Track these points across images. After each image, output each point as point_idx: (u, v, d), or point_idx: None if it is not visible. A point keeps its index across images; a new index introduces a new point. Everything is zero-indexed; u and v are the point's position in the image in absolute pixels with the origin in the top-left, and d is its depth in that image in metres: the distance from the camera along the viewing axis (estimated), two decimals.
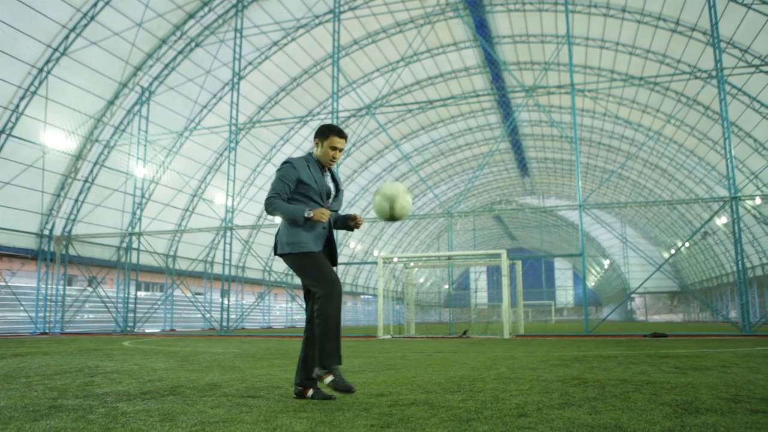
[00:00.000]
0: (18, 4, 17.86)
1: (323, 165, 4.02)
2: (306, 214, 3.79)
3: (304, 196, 3.90)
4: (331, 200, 4.06)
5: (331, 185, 4.06)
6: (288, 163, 3.93)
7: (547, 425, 2.88)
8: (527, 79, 30.97)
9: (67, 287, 24.03)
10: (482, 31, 27.54)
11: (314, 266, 3.83)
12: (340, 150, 4.00)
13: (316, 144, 4.00)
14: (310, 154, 4.05)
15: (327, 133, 3.97)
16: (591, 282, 69.86)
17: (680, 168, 34.72)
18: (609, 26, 25.86)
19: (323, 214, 3.80)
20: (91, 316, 24.69)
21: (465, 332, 17.12)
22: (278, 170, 3.93)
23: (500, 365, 6.41)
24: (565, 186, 49.36)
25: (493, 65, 31.08)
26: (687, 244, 44.39)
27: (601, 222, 31.17)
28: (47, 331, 22.04)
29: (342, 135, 3.99)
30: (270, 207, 3.84)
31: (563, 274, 76.06)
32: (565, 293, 76.05)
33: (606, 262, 60.37)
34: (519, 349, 9.60)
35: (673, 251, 45.05)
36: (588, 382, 4.67)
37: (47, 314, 22.56)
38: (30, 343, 12.36)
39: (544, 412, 3.24)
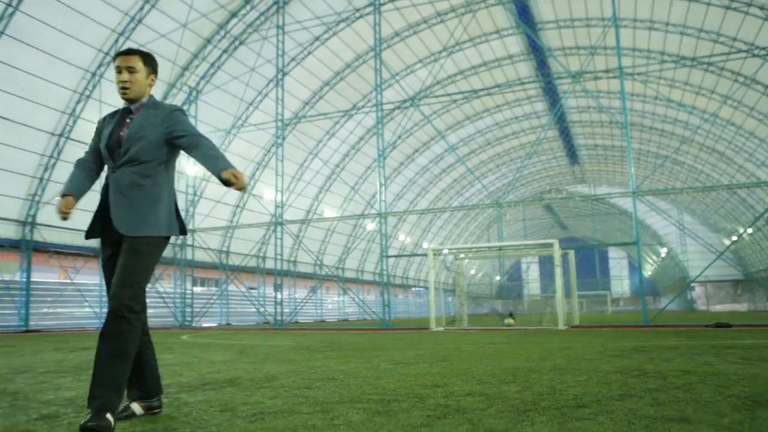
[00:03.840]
0: (70, 10, 18.50)
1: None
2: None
3: None
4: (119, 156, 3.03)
5: (126, 130, 3.06)
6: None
7: (608, 416, 2.81)
8: (573, 64, 30.28)
9: None
10: (525, 17, 27.03)
11: (150, 267, 2.99)
12: (121, 70, 3.06)
13: None
14: None
15: (113, 60, 3.18)
16: (648, 271, 68.01)
17: (739, 151, 33.34)
18: (657, 6, 25.00)
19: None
20: (151, 311, 25.44)
21: (510, 315, 16.83)
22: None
23: (556, 356, 6.30)
24: (617, 173, 48.14)
25: (537, 52, 30.50)
26: (750, 230, 42.65)
27: (656, 209, 30.14)
28: None
29: (123, 53, 3.09)
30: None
31: (618, 263, 74.28)
32: (621, 283, 74.27)
33: (663, 251, 58.64)
34: (574, 340, 9.43)
35: (734, 238, 43.38)
36: (648, 373, 4.55)
37: None
38: (96, 337, 12.86)
39: (604, 403, 3.16)
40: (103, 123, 3.15)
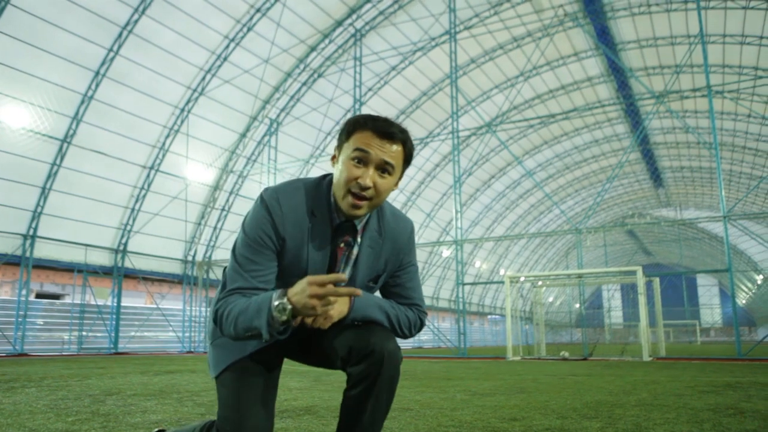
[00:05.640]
0: (161, 52, 19.72)
1: (339, 212, 1.77)
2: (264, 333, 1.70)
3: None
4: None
5: (348, 269, 1.87)
6: (262, 203, 1.83)
7: None
8: (657, 84, 29.26)
9: (209, 309, 25.75)
10: (604, 38, 26.43)
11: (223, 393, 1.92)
12: (379, 166, 1.69)
13: (333, 159, 1.80)
14: (323, 178, 1.85)
15: (351, 129, 1.74)
16: (742, 299, 63.79)
17: None
18: (750, 19, 23.81)
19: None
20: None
21: (591, 353, 16.25)
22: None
23: (641, 390, 6.00)
24: (706, 196, 45.79)
25: (618, 73, 29.71)
26: None
27: (750, 234, 28.37)
28: (192, 350, 23.72)
29: (385, 133, 1.68)
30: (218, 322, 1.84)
31: (708, 291, 70.16)
32: (711, 312, 70.00)
33: (759, 278, 54.96)
34: (661, 373, 8.95)
35: None
36: (745, 412, 4.24)
37: (192, 334, 24.31)
38: (179, 361, 13.35)
39: None
40: (291, 230, 1.78)
